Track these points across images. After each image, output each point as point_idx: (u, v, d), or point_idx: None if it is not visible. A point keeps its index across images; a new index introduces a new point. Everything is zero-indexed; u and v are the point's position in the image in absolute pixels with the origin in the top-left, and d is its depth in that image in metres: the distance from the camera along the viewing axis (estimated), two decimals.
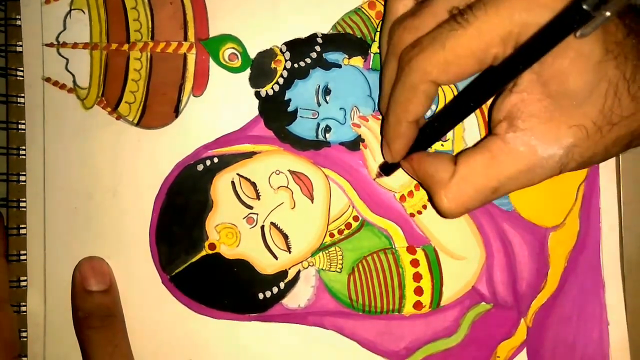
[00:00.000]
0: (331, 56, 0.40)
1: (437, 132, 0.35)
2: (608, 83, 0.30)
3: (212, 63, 0.40)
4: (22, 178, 0.40)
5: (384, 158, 0.37)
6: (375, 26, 0.40)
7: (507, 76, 0.31)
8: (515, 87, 0.32)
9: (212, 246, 0.40)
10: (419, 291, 0.40)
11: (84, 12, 0.40)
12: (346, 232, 0.40)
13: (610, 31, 0.29)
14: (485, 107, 0.40)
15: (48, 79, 0.40)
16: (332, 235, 0.40)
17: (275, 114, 0.40)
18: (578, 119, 0.30)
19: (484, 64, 0.31)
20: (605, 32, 0.29)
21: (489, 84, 0.31)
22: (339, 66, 0.40)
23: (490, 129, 0.34)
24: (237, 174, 0.40)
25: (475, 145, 0.34)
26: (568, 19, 0.28)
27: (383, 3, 0.40)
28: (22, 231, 0.40)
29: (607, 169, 0.41)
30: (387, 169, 0.39)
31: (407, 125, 0.34)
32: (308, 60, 0.40)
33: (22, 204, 0.40)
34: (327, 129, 0.40)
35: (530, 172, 0.32)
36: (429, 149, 0.39)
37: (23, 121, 0.40)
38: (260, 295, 0.40)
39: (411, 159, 0.36)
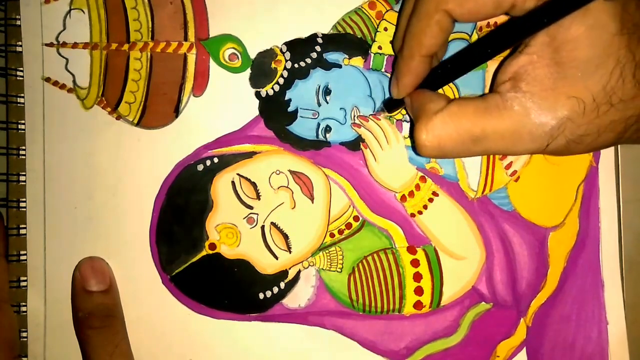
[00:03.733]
0: (331, 56, 0.40)
1: (447, 74, 0.35)
2: (616, 61, 0.30)
3: (212, 63, 0.40)
4: (22, 178, 0.40)
5: (389, 93, 0.37)
6: (376, 26, 0.40)
7: (529, 28, 0.30)
8: (527, 48, 0.32)
9: (213, 246, 0.40)
10: (419, 291, 0.40)
11: (83, 12, 0.40)
12: (346, 232, 0.41)
13: (629, 11, 0.30)
14: None
15: (48, 79, 0.40)
16: (332, 235, 0.40)
17: (276, 114, 0.40)
18: (579, 91, 0.30)
19: (499, 8, 0.31)
20: (625, 10, 0.29)
21: (509, 34, 0.31)
22: (339, 66, 0.40)
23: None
24: (238, 174, 0.40)
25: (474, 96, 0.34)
26: None
27: (383, 3, 0.40)
28: (22, 231, 0.40)
29: (606, 169, 0.41)
30: (390, 105, 0.39)
31: (420, 60, 0.34)
32: (308, 61, 0.40)
33: (22, 204, 0.40)
34: (328, 129, 0.40)
35: (516, 134, 0.32)
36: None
37: (23, 121, 0.40)
38: (261, 295, 0.40)
39: (413, 92, 0.36)
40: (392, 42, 0.39)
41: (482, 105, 0.32)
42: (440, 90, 0.37)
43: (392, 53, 0.40)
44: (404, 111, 0.40)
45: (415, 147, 0.34)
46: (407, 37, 0.34)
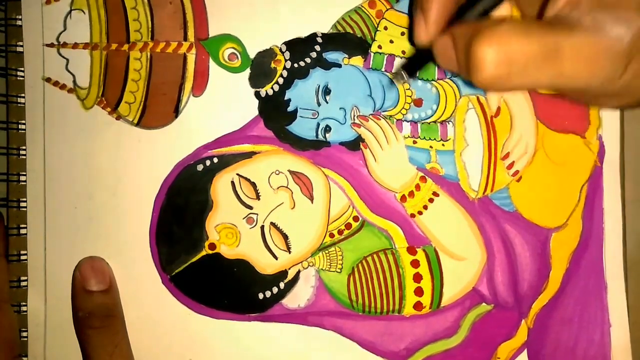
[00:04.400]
0: (331, 56, 0.40)
1: (485, 4, 0.30)
2: None
3: (211, 63, 0.40)
4: (22, 178, 0.40)
5: (414, 41, 0.32)
6: (376, 25, 0.40)
7: None
8: None
9: (212, 246, 0.40)
10: (419, 292, 0.40)
11: (84, 13, 0.40)
12: (346, 232, 0.40)
13: None
14: (486, 105, 0.40)
15: (48, 79, 0.40)
16: (332, 235, 0.40)
17: (275, 114, 0.40)
18: None
19: None
20: None
21: None
22: (339, 66, 0.40)
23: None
24: (237, 174, 0.40)
25: None
26: None
27: (383, 2, 0.40)
28: (23, 231, 0.40)
29: (610, 169, 0.40)
30: (412, 65, 0.34)
31: None
32: (308, 60, 0.40)
33: (22, 204, 0.40)
34: (327, 128, 0.40)
35: (594, 50, 0.27)
36: None
37: (23, 121, 0.40)
38: (260, 295, 0.40)
39: (452, 28, 0.30)
40: None
41: (551, 23, 0.27)
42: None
43: (392, 52, 0.40)
44: (404, 111, 0.40)
45: (470, 75, 0.27)
46: None
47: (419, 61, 0.33)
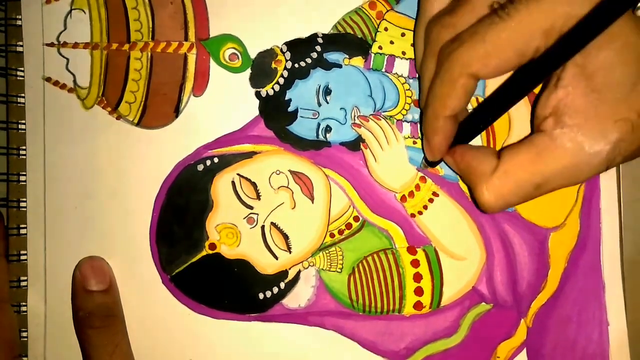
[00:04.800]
0: (332, 56, 0.40)
1: (478, 125, 0.35)
2: None
3: (212, 63, 0.40)
4: (22, 178, 0.40)
5: (424, 155, 0.37)
6: (376, 26, 0.40)
7: (549, 67, 0.30)
8: (560, 81, 0.31)
9: (213, 246, 0.40)
10: (419, 291, 0.40)
11: (84, 12, 0.40)
12: (346, 232, 0.40)
13: None
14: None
15: (48, 79, 0.40)
16: (332, 235, 0.40)
17: (276, 114, 0.40)
18: (623, 113, 0.30)
19: (524, 57, 0.30)
20: None
21: (531, 76, 0.31)
22: (340, 66, 0.40)
23: (533, 128, 0.34)
24: (238, 174, 0.40)
25: (519, 141, 0.33)
26: (615, 3, 0.27)
27: (383, 3, 0.40)
28: (23, 231, 0.40)
29: (607, 170, 0.41)
30: (431, 161, 0.39)
31: (445, 120, 0.34)
32: (308, 60, 0.40)
33: (22, 204, 0.40)
34: (328, 129, 0.40)
35: (576, 168, 0.31)
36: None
37: (23, 121, 0.40)
38: (261, 295, 0.40)
39: (454, 152, 0.36)
40: (418, 101, 0.39)
41: (534, 152, 0.32)
42: None
43: (393, 53, 0.40)
44: (404, 111, 0.40)
45: (477, 206, 0.34)
46: (431, 99, 0.34)
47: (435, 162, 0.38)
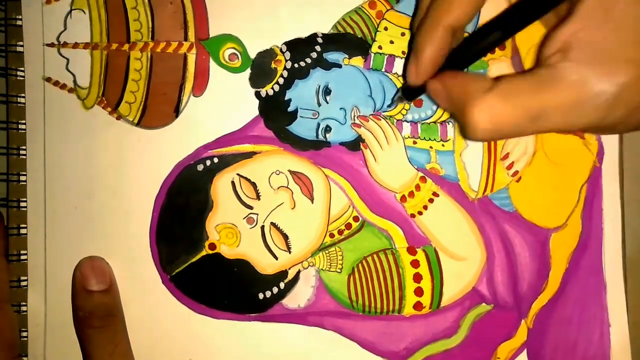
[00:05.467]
0: (331, 56, 0.40)
1: (475, 50, 0.32)
2: None
3: (212, 63, 0.40)
4: (22, 178, 0.40)
5: (407, 79, 0.35)
6: (376, 26, 0.40)
7: None
8: (574, 14, 0.30)
9: (212, 246, 0.40)
10: (419, 292, 0.40)
11: (84, 12, 0.40)
12: (346, 232, 0.40)
13: None
14: None
15: (49, 79, 0.40)
16: (332, 235, 0.40)
17: (276, 114, 0.40)
18: (636, 54, 0.29)
19: None
20: None
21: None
22: (339, 66, 0.40)
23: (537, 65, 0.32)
24: (237, 174, 0.40)
25: (519, 72, 0.32)
26: None
27: (383, 2, 0.40)
28: (23, 231, 0.40)
29: (609, 170, 0.40)
30: (410, 92, 0.36)
31: (445, 30, 0.31)
32: (308, 60, 0.40)
33: (22, 204, 0.40)
34: (328, 129, 0.40)
35: (577, 106, 0.29)
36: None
37: (23, 121, 0.40)
38: (260, 295, 0.40)
39: (442, 75, 0.33)
40: (410, 23, 0.37)
41: (536, 80, 0.30)
42: None
43: (393, 53, 0.40)
44: (404, 111, 0.40)
45: (465, 132, 0.31)
46: (434, 5, 0.31)
47: (415, 92, 0.35)
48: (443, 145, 0.40)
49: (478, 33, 0.32)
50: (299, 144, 0.40)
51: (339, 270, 0.40)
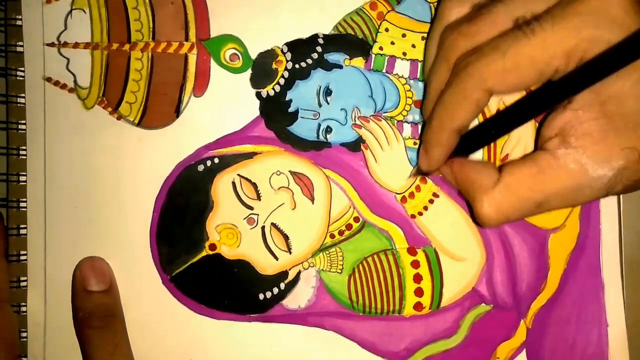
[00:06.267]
0: (332, 57, 0.40)
1: (482, 140, 0.34)
2: None
3: (213, 63, 0.40)
4: (22, 178, 0.40)
5: (419, 165, 0.37)
6: (377, 27, 0.40)
7: (569, 91, 0.30)
8: (572, 103, 0.31)
9: (213, 247, 0.40)
10: (419, 292, 0.40)
11: (85, 12, 0.40)
12: (347, 233, 0.40)
13: None
14: (486, 108, 0.40)
15: (49, 79, 0.40)
16: (332, 236, 0.40)
17: (276, 115, 0.40)
18: (632, 141, 0.30)
19: (543, 76, 0.30)
20: None
21: (549, 97, 0.31)
22: (340, 67, 0.40)
23: (537, 146, 0.34)
24: (238, 175, 0.40)
25: (522, 157, 0.33)
26: None
27: (384, 3, 0.40)
28: (22, 231, 0.40)
29: None
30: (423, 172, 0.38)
31: (451, 133, 0.33)
32: (309, 61, 0.40)
33: (22, 204, 0.40)
34: (328, 129, 0.40)
35: (577, 190, 0.31)
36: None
37: (23, 121, 0.40)
38: (261, 296, 0.40)
39: (452, 162, 0.35)
40: (421, 110, 0.38)
41: (536, 169, 0.32)
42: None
43: (393, 54, 0.40)
44: (405, 112, 0.40)
45: (476, 219, 0.34)
46: (440, 109, 0.33)
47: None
48: None
49: (481, 128, 0.35)
50: (300, 145, 0.40)
51: (340, 271, 0.40)
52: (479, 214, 0.33)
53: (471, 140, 0.34)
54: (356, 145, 0.40)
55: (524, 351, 0.41)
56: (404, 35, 0.40)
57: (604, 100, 0.30)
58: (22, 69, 0.40)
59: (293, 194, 0.40)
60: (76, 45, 0.40)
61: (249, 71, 0.40)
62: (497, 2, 0.31)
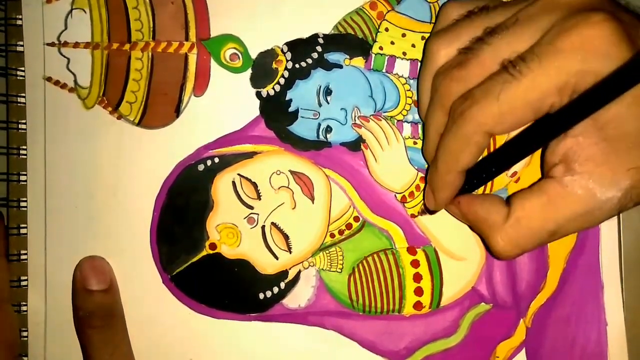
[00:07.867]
0: (332, 56, 0.40)
1: (486, 177, 0.35)
2: None
3: (213, 63, 0.40)
4: (22, 178, 0.40)
5: (425, 205, 0.38)
6: (377, 27, 0.40)
7: (565, 125, 0.30)
8: (571, 130, 0.31)
9: (213, 246, 0.40)
10: (419, 292, 0.40)
11: (85, 12, 0.40)
12: (347, 232, 0.41)
13: None
14: None
15: (49, 79, 0.40)
16: (332, 235, 0.40)
17: (276, 114, 0.40)
18: (635, 161, 0.30)
19: (540, 112, 0.30)
20: None
21: (546, 132, 0.31)
22: (340, 66, 0.40)
23: (543, 173, 0.34)
24: (238, 174, 0.40)
25: (529, 187, 0.33)
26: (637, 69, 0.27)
27: (384, 3, 0.40)
28: (23, 231, 0.40)
29: None
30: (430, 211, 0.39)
31: (456, 175, 0.34)
32: (309, 61, 0.40)
33: (22, 204, 0.40)
34: (328, 129, 0.40)
35: (589, 214, 0.31)
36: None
37: (24, 121, 0.40)
38: (261, 295, 0.40)
39: (459, 202, 0.36)
40: (422, 152, 0.38)
41: (545, 199, 0.32)
42: None
43: (393, 54, 0.40)
44: (405, 112, 0.40)
45: (492, 253, 0.34)
46: (443, 154, 0.33)
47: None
48: None
49: (483, 164, 0.35)
50: (300, 144, 0.40)
51: (340, 270, 0.40)
52: (495, 250, 0.34)
53: (474, 178, 0.35)
54: (356, 144, 0.40)
55: (524, 350, 0.41)
56: (403, 35, 0.40)
57: (602, 125, 0.30)
58: (23, 68, 0.40)
59: (293, 193, 0.40)
60: (76, 44, 0.40)
61: (249, 71, 0.40)
62: (482, 44, 0.32)
